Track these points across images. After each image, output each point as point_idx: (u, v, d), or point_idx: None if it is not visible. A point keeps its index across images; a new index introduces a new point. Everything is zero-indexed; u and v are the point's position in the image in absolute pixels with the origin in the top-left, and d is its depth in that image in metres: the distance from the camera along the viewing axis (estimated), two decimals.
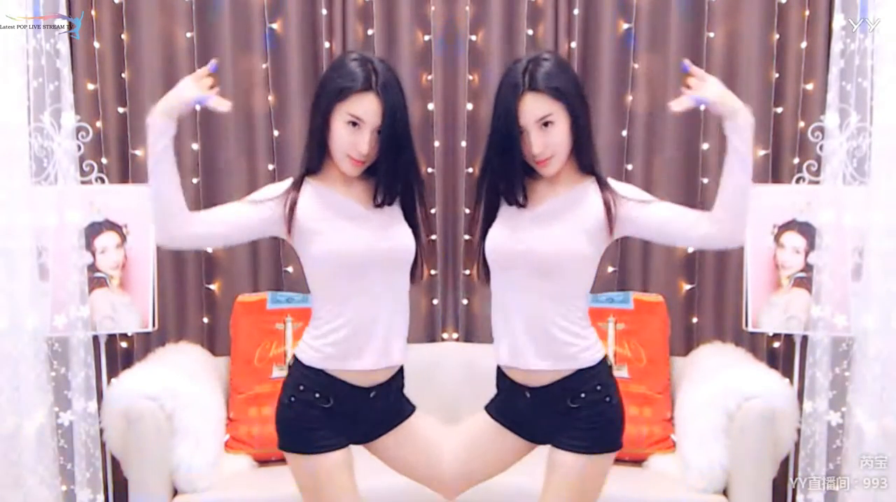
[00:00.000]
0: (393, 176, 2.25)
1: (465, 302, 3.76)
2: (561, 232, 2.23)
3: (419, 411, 2.44)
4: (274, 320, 3.49)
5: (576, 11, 3.64)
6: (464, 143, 3.69)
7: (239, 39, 3.67)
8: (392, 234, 2.28)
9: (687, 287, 3.75)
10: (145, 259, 3.44)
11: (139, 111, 3.59)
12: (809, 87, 3.60)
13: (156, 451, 3.10)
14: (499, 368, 2.38)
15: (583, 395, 2.27)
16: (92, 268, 3.37)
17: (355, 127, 2.19)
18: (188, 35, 3.65)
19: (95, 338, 3.41)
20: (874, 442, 3.12)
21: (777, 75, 3.64)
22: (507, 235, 2.28)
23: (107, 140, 3.64)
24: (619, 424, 2.32)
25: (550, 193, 2.28)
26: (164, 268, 3.60)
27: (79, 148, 3.32)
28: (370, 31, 3.66)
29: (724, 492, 3.14)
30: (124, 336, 3.66)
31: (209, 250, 3.70)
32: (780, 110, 3.65)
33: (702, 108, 3.57)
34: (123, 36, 3.64)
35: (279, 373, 3.37)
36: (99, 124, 3.61)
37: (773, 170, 3.65)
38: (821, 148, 3.35)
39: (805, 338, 3.43)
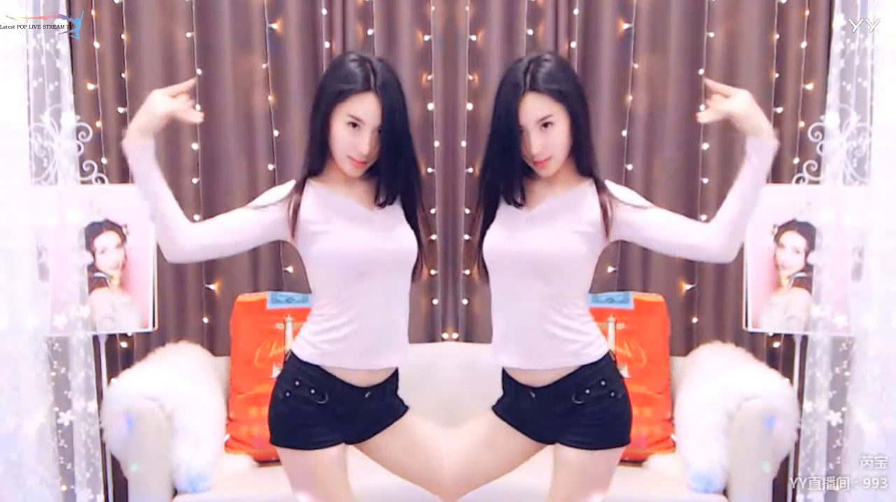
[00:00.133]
0: (394, 175, 2.25)
1: (465, 302, 3.76)
2: (556, 232, 2.23)
3: (415, 412, 2.44)
4: (274, 320, 3.49)
5: (576, 11, 3.64)
6: (464, 143, 3.69)
7: (239, 39, 3.67)
8: (396, 236, 2.29)
9: (687, 287, 3.75)
10: (145, 259, 3.44)
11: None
12: (809, 87, 3.60)
13: (156, 451, 3.10)
14: (504, 369, 2.38)
15: (587, 391, 2.27)
16: (92, 268, 3.37)
17: (355, 128, 2.19)
18: (188, 35, 3.65)
19: (95, 338, 3.41)
20: (874, 442, 3.11)
21: (777, 75, 3.64)
22: (504, 236, 2.29)
23: (107, 140, 3.63)
24: (626, 419, 2.31)
25: (548, 194, 2.28)
26: (164, 268, 3.59)
27: (79, 148, 3.32)
28: (370, 31, 3.66)
29: (724, 492, 3.14)
30: (124, 336, 3.66)
31: None
32: (780, 110, 3.65)
33: (701, 108, 3.63)
34: (123, 36, 3.64)
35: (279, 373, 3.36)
36: (99, 124, 3.61)
37: (773, 170, 3.62)
38: (821, 148, 3.35)
39: (805, 338, 3.43)
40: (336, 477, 2.29)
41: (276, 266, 3.74)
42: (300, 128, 3.56)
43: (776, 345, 3.68)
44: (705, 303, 3.75)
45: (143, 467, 3.10)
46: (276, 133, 3.69)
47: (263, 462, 3.35)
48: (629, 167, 3.71)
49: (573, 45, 3.65)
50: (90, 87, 3.62)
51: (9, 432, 3.09)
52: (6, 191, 3.08)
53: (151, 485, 3.11)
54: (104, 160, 3.60)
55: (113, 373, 3.48)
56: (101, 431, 3.21)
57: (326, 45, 3.66)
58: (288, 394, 2.29)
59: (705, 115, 2.28)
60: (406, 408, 2.42)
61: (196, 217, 3.63)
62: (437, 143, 3.70)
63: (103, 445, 3.26)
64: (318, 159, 2.29)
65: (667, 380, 3.49)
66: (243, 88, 3.69)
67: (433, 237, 3.69)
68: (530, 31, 3.66)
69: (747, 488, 3.10)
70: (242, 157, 3.72)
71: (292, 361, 2.32)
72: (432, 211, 3.68)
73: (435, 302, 3.76)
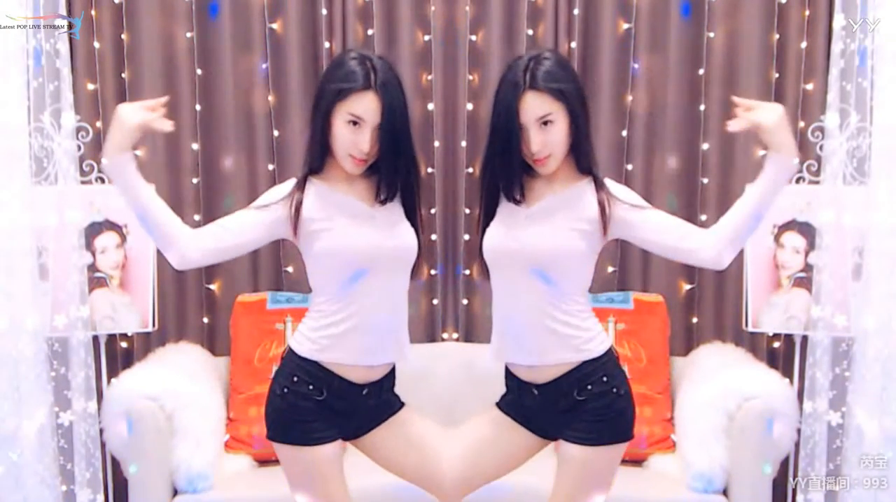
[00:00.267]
0: (394, 173, 2.26)
1: (465, 302, 3.76)
2: (555, 230, 2.24)
3: (415, 410, 2.44)
4: (274, 320, 3.49)
5: (576, 11, 3.64)
6: (464, 143, 3.69)
7: (239, 39, 3.67)
8: (397, 233, 2.30)
9: (687, 287, 3.75)
10: (145, 259, 3.44)
11: None
12: (809, 87, 3.60)
13: (156, 451, 3.10)
14: (507, 366, 2.39)
15: (589, 387, 2.27)
16: (92, 268, 3.37)
17: (356, 126, 2.19)
18: (188, 35, 3.65)
19: (95, 338, 3.41)
20: (874, 442, 3.11)
21: (777, 75, 3.64)
22: (503, 233, 2.29)
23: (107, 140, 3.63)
24: (629, 415, 2.32)
25: (548, 191, 2.29)
26: (164, 268, 3.58)
27: (79, 148, 3.32)
28: (370, 31, 3.66)
29: (725, 492, 3.14)
30: (124, 336, 3.66)
31: None
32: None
33: (701, 108, 3.64)
34: (123, 36, 3.64)
35: None
36: (99, 124, 3.60)
37: None
38: (821, 148, 3.35)
39: (805, 338, 3.43)
40: (333, 473, 2.30)
41: (276, 266, 3.74)
42: (300, 128, 3.56)
43: (776, 345, 3.68)
44: (705, 303, 3.75)
45: (142, 467, 3.10)
46: (276, 133, 3.69)
47: (263, 462, 3.35)
48: (629, 167, 3.70)
49: (573, 45, 3.65)
50: (90, 87, 3.62)
51: (9, 432, 3.09)
52: (6, 191, 3.08)
53: (151, 485, 3.11)
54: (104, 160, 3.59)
55: (113, 373, 3.48)
56: (101, 431, 3.21)
57: (326, 45, 3.66)
58: (286, 390, 2.29)
59: (734, 124, 2.29)
60: (402, 404, 2.42)
61: (196, 217, 3.64)
62: (437, 143, 3.70)
63: (103, 445, 3.26)
64: (319, 158, 2.29)
65: (667, 380, 3.49)
66: (243, 88, 3.69)
67: (433, 237, 3.69)
68: (530, 31, 3.66)
69: (747, 488, 3.10)
70: (242, 157, 3.72)
71: (290, 357, 2.32)
72: (432, 211, 3.68)
73: (435, 302, 3.76)
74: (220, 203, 3.66)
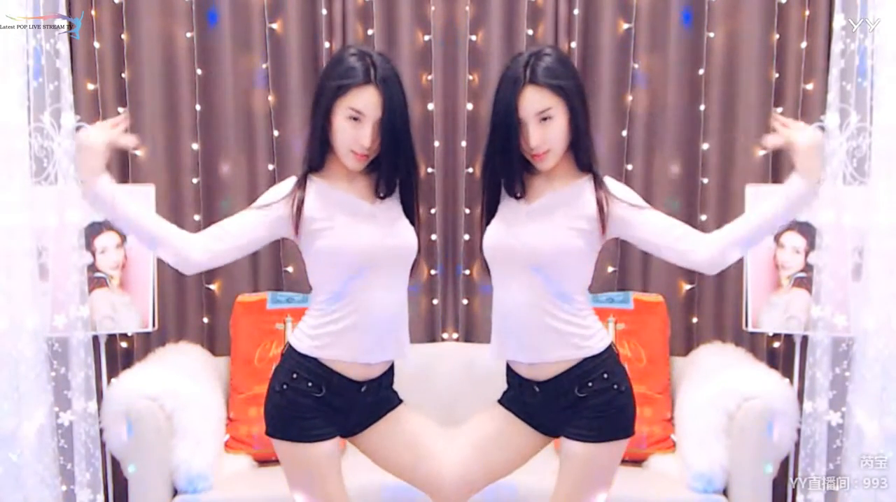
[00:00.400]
0: (394, 168, 2.27)
1: (465, 302, 3.76)
2: (553, 227, 2.24)
3: (413, 408, 2.44)
4: (274, 320, 3.49)
5: (576, 11, 3.64)
6: (464, 143, 3.69)
7: (239, 39, 3.67)
8: (398, 231, 2.30)
9: (687, 287, 3.75)
10: (145, 259, 3.44)
11: (139, 111, 3.59)
12: (809, 87, 3.60)
13: (156, 451, 3.10)
14: (507, 364, 2.39)
15: (590, 384, 2.27)
16: (92, 268, 3.37)
17: (356, 121, 2.20)
18: (188, 35, 3.65)
19: (95, 338, 3.41)
20: (874, 442, 3.11)
21: (777, 75, 3.64)
22: (503, 230, 2.30)
23: None
24: (629, 412, 2.32)
25: (548, 189, 2.29)
26: (164, 268, 3.58)
27: None
28: (370, 31, 3.66)
29: (725, 492, 3.14)
30: (124, 336, 3.66)
31: None
32: (780, 110, 3.63)
33: (701, 108, 3.64)
34: (123, 36, 3.64)
35: None
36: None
37: (773, 170, 3.65)
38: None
39: (805, 338, 3.43)
40: (331, 470, 2.30)
41: (276, 266, 3.74)
42: (300, 128, 3.56)
43: (776, 345, 3.68)
44: (705, 303, 3.75)
45: (142, 467, 3.11)
46: (276, 133, 3.69)
47: (263, 462, 3.35)
48: (629, 167, 3.70)
49: (573, 44, 3.65)
50: (90, 87, 3.62)
51: (9, 432, 3.09)
52: (6, 191, 3.08)
53: (151, 485, 3.11)
54: None
55: (113, 373, 3.48)
56: (101, 431, 3.21)
57: (326, 44, 3.66)
58: (285, 387, 2.29)
59: (770, 139, 2.30)
60: (400, 401, 2.43)
61: (196, 217, 3.64)
62: (437, 143, 3.70)
63: (103, 445, 3.26)
64: (319, 155, 2.30)
65: (667, 380, 3.49)
66: (243, 88, 3.69)
67: (433, 237, 3.69)
68: (530, 31, 3.66)
69: (747, 488, 3.10)
70: (242, 157, 3.72)
71: (290, 354, 2.32)
72: (432, 211, 3.68)
73: (435, 302, 3.76)
74: (220, 203, 3.66)
